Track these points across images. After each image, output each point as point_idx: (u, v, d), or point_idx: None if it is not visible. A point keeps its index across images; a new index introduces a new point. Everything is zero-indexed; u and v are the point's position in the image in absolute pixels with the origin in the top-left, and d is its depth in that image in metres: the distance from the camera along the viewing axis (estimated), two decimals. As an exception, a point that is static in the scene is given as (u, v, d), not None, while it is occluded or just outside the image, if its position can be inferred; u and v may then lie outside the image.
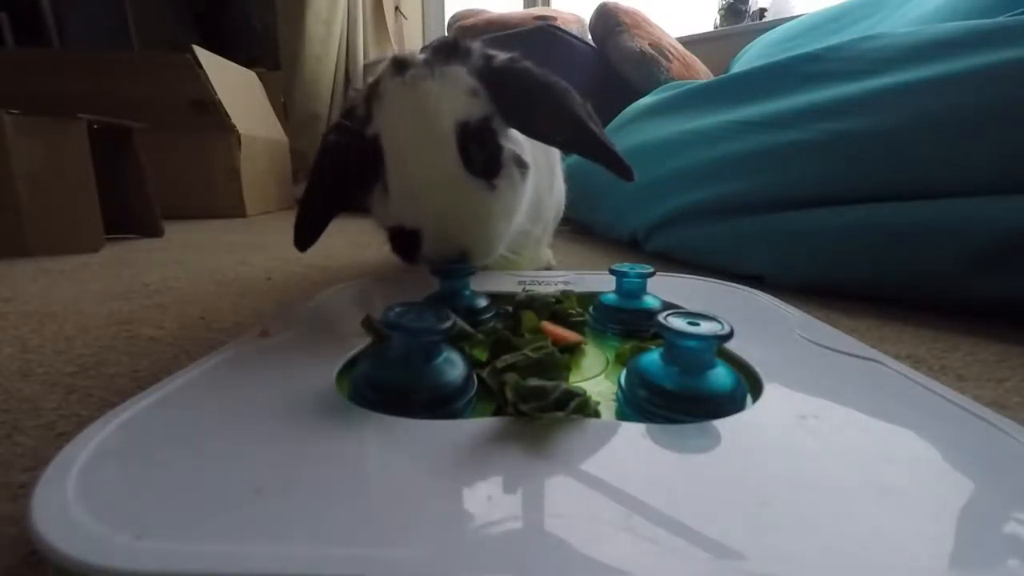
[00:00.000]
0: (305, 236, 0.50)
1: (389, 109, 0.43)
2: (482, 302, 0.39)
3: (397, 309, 0.25)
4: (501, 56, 0.47)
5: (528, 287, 0.45)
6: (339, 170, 0.48)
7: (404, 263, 0.45)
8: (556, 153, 0.65)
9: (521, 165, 0.46)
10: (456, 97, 0.42)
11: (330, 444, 0.21)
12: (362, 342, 0.32)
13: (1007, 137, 0.51)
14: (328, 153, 0.49)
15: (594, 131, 0.44)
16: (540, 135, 0.47)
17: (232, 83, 1.58)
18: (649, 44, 1.46)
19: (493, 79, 0.44)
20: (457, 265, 0.41)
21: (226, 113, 1.44)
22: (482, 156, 0.42)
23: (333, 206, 0.51)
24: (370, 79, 0.48)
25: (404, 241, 0.43)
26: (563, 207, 0.71)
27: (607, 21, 1.53)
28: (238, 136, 1.48)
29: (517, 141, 0.47)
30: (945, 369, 0.41)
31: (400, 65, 0.44)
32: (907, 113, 0.57)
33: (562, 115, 0.44)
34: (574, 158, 1.13)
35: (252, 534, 0.16)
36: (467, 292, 0.40)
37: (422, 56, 0.45)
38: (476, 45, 0.47)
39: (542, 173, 0.54)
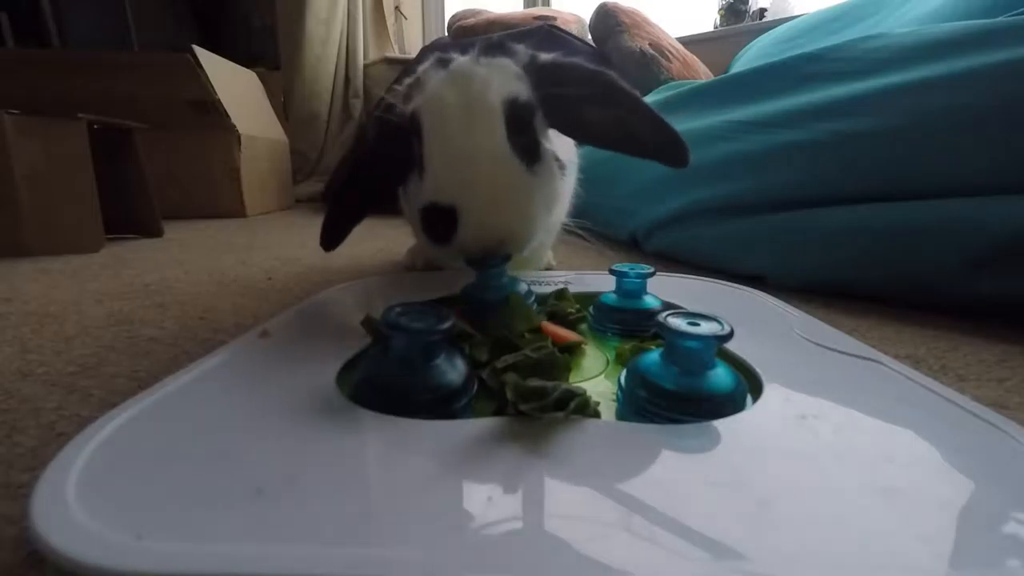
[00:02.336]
0: (333, 234, 0.49)
1: (432, 88, 0.41)
2: (523, 287, 0.39)
3: (397, 309, 0.25)
4: (547, 55, 0.45)
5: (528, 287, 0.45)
6: (379, 158, 0.46)
7: (434, 246, 0.40)
8: (574, 163, 0.64)
9: (560, 163, 0.44)
10: (505, 78, 0.40)
11: (330, 444, 0.21)
12: (362, 342, 0.32)
13: (1007, 137, 0.51)
14: (367, 142, 0.47)
15: (650, 108, 0.42)
16: (586, 129, 0.45)
17: (232, 83, 1.58)
18: (649, 44, 1.46)
19: (539, 75, 0.42)
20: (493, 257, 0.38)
21: (226, 113, 1.44)
22: (525, 140, 0.39)
23: (366, 203, 0.49)
24: (406, 79, 0.46)
25: (437, 220, 0.38)
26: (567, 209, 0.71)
27: (607, 21, 1.53)
28: (238, 136, 1.47)
29: (555, 144, 0.45)
30: (945, 369, 0.41)
31: (444, 61, 0.43)
32: (907, 113, 0.57)
33: (618, 97, 0.42)
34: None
35: (252, 534, 0.16)
36: (505, 279, 0.39)
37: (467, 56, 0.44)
38: (521, 46, 0.46)
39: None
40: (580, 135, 0.46)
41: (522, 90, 0.40)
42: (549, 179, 0.42)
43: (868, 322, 0.53)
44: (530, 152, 0.40)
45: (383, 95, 0.47)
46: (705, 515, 0.17)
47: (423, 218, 0.39)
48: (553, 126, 0.44)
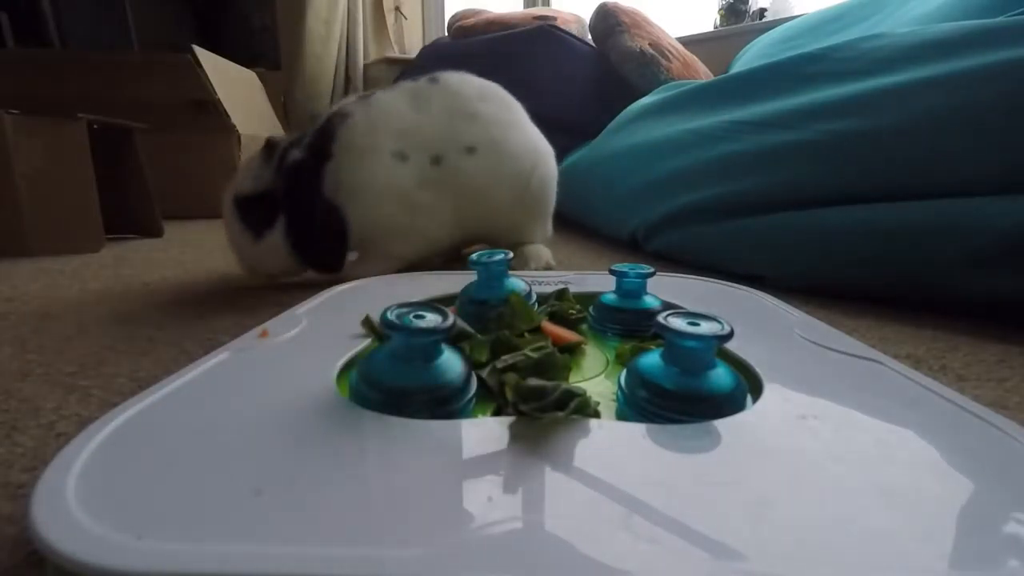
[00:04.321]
0: None
1: None
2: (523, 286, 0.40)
3: (397, 309, 0.25)
4: (294, 151, 0.61)
5: (529, 287, 0.45)
6: None
7: None
8: (514, 132, 0.70)
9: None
10: (244, 177, 0.61)
11: (330, 444, 0.21)
12: (362, 342, 0.32)
13: (1007, 137, 0.51)
14: None
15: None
16: None
17: (232, 83, 1.58)
18: (649, 44, 1.46)
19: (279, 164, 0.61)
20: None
21: (226, 113, 1.44)
22: (254, 217, 0.60)
23: None
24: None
25: None
26: (553, 192, 0.75)
27: (607, 21, 1.53)
28: (238, 136, 1.47)
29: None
30: (945, 369, 0.41)
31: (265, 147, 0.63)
32: (907, 113, 0.57)
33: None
34: (574, 158, 1.13)
35: (252, 534, 0.16)
36: (505, 279, 0.40)
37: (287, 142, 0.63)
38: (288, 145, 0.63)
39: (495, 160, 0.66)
40: None
41: (252, 185, 0.61)
42: (277, 239, 0.60)
43: (868, 322, 0.53)
44: (259, 223, 0.60)
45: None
46: (705, 515, 0.17)
47: None
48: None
